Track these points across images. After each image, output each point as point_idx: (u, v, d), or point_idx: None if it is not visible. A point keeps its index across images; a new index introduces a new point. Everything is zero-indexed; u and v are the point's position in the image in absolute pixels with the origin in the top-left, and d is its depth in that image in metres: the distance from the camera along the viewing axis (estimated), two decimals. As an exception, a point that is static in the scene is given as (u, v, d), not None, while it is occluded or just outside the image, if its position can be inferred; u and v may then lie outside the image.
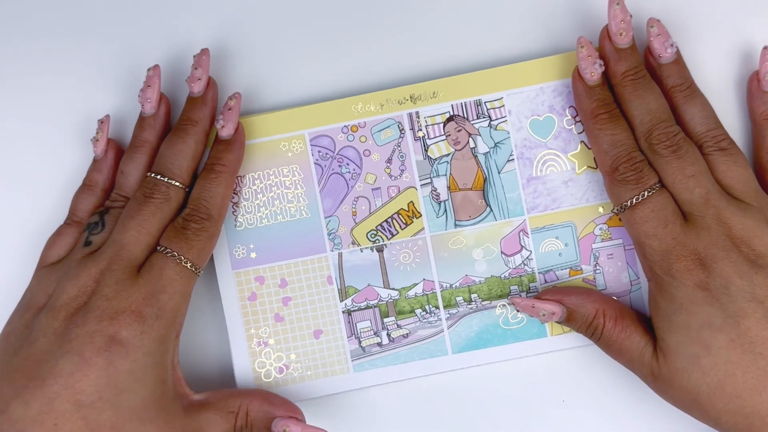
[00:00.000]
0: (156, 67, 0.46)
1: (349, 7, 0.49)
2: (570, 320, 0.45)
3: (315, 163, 0.48)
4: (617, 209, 0.44)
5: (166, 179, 0.44)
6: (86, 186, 0.47)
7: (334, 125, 0.48)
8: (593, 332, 0.45)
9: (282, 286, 0.48)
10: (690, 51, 0.48)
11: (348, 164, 0.48)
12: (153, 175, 0.45)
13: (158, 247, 0.44)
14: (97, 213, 0.45)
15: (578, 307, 0.45)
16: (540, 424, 0.48)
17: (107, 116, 0.47)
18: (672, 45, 0.44)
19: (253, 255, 0.48)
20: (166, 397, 0.42)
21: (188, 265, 0.43)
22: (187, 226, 0.44)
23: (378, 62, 0.49)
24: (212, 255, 0.48)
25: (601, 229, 0.48)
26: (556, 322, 0.45)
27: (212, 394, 0.45)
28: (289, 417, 0.44)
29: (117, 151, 0.48)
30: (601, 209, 0.48)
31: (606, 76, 0.45)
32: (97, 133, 0.47)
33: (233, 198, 0.48)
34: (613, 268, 0.48)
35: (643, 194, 0.43)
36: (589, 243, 0.48)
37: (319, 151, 0.48)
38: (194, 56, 0.46)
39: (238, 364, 0.48)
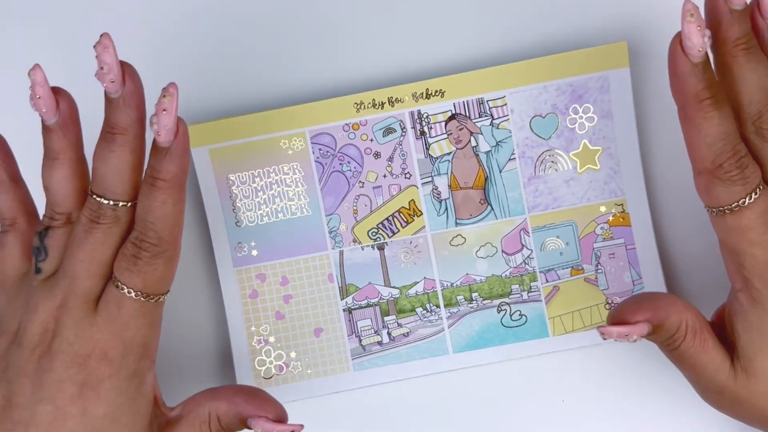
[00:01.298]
0: (36, 68, 0.39)
1: (351, 4, 0.49)
2: (653, 334, 0.40)
3: (316, 161, 0.48)
4: (714, 211, 0.39)
5: (110, 202, 0.39)
6: None
7: (335, 123, 0.48)
8: (670, 344, 0.41)
9: (283, 283, 0.48)
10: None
11: (349, 162, 0.48)
12: (95, 197, 0.39)
13: (113, 277, 0.39)
14: (36, 235, 0.41)
15: (664, 321, 0.40)
16: (540, 424, 0.48)
17: None
18: None
19: (254, 253, 0.48)
20: (143, 429, 0.41)
21: (147, 298, 0.39)
22: (139, 255, 0.39)
23: (380, 60, 0.49)
24: (213, 253, 0.48)
25: (602, 228, 0.47)
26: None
27: (184, 405, 0.42)
28: (259, 416, 0.41)
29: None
30: (602, 208, 0.47)
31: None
32: None
33: (232, 196, 0.48)
34: (615, 268, 0.47)
35: (750, 197, 0.37)
36: (590, 242, 0.47)
37: (320, 149, 0.48)
38: (94, 46, 0.37)
39: (239, 362, 0.48)
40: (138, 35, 0.49)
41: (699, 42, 0.36)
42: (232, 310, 0.48)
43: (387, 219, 0.48)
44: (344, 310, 0.48)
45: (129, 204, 0.39)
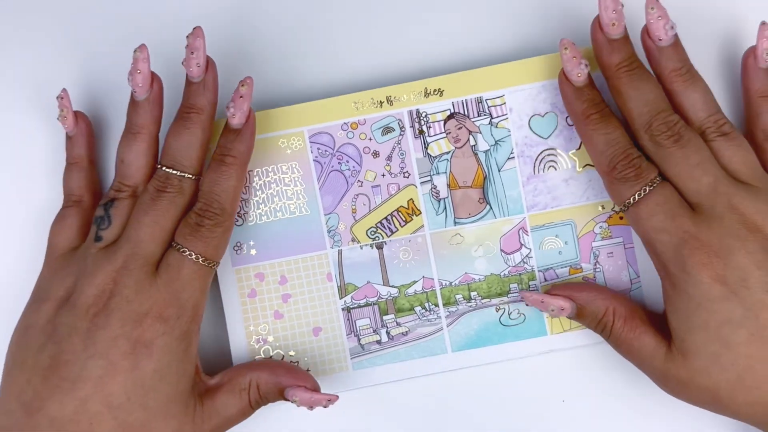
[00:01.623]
0: (143, 47, 0.44)
1: (350, 4, 0.49)
2: (580, 316, 0.45)
3: (314, 161, 0.48)
4: (620, 208, 0.43)
5: (178, 173, 0.44)
6: (71, 164, 0.47)
7: (334, 122, 0.48)
8: (603, 329, 0.45)
9: (282, 283, 0.48)
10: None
11: (348, 161, 0.48)
12: (164, 168, 0.44)
13: (173, 243, 0.43)
14: (101, 206, 0.45)
15: (588, 303, 0.44)
16: (540, 424, 0.48)
17: (64, 90, 0.46)
18: (672, 27, 0.43)
19: (253, 252, 0.48)
20: (186, 390, 0.43)
21: (205, 262, 0.43)
22: (202, 223, 0.43)
23: (378, 59, 0.49)
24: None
25: (601, 227, 0.47)
26: (567, 317, 0.45)
27: (224, 374, 0.45)
28: (297, 386, 0.45)
29: (87, 122, 0.47)
30: (601, 207, 0.47)
31: (594, 72, 0.44)
32: (62, 110, 0.46)
33: (242, 194, 0.48)
34: (613, 267, 0.47)
35: (645, 189, 0.42)
36: (589, 241, 0.47)
37: (319, 148, 0.48)
38: (187, 37, 0.43)
39: (237, 361, 0.48)
40: (136, 38, 0.49)
41: (576, 70, 0.43)
42: (230, 310, 0.48)
43: (386, 218, 0.48)
44: (343, 309, 0.48)
45: (193, 178, 0.44)
